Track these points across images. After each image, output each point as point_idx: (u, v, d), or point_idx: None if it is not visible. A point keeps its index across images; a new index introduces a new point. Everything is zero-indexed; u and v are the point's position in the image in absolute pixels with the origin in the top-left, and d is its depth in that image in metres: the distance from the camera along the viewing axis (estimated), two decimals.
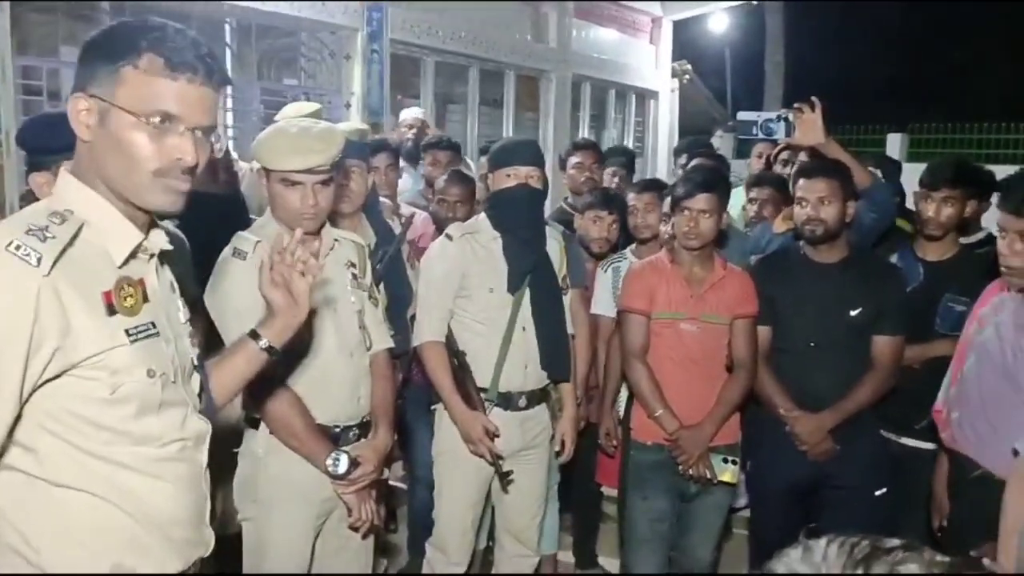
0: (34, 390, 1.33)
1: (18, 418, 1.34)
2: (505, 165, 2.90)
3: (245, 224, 2.57)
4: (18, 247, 1.28)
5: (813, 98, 3.11)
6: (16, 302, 1.27)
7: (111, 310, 1.39)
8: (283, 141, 2.34)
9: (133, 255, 1.45)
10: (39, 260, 1.28)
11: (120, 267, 1.43)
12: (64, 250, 1.33)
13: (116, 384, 1.38)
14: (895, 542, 0.70)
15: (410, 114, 5.44)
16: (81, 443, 1.38)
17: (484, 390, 2.90)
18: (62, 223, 1.35)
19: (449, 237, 2.94)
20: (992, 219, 2.61)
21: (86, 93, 1.38)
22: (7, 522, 1.38)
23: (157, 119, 1.37)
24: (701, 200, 2.89)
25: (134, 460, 1.44)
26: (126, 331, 1.40)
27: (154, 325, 1.46)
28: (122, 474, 1.43)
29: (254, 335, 1.77)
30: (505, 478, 2.93)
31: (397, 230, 3.38)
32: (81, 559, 1.41)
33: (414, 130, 5.06)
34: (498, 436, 2.87)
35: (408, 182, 4.81)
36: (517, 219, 2.91)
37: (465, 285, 2.89)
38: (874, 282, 2.98)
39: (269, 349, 1.76)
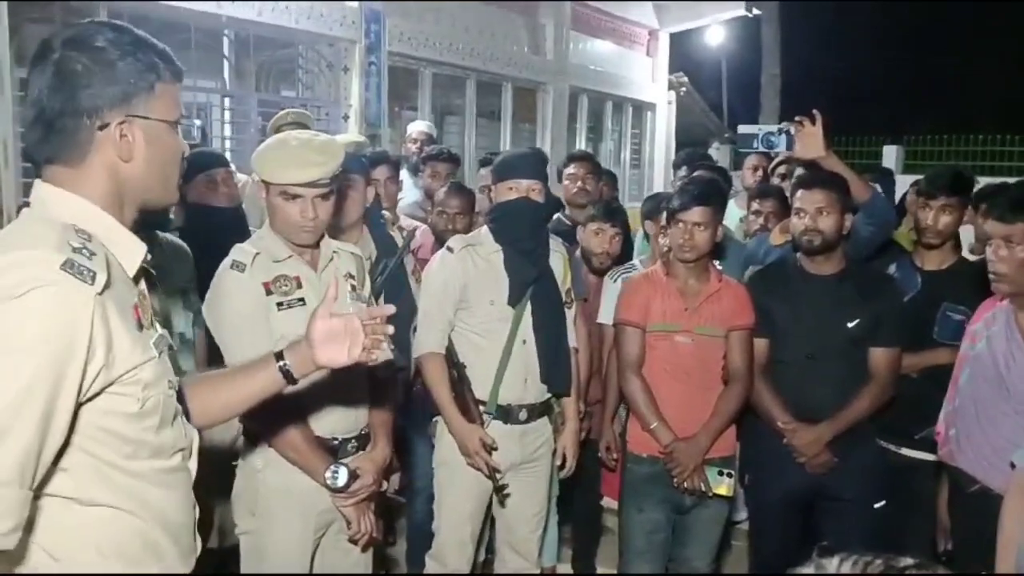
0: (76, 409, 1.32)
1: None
2: (508, 178, 2.90)
3: (244, 236, 2.56)
4: (72, 265, 1.26)
5: (814, 111, 3.12)
6: (74, 321, 1.25)
7: (140, 324, 1.40)
8: (283, 154, 2.33)
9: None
10: (93, 278, 1.27)
11: (133, 281, 1.44)
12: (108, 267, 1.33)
13: (145, 397, 1.39)
14: (908, 561, 0.70)
15: (416, 128, 5.45)
16: (108, 458, 1.38)
17: (483, 403, 2.90)
18: (90, 239, 1.33)
19: (450, 249, 2.94)
20: None
21: (122, 115, 1.38)
22: (44, 551, 1.36)
23: (178, 122, 1.48)
24: (696, 213, 2.90)
25: (151, 472, 1.45)
26: (154, 344, 1.42)
27: (163, 337, 1.48)
28: (142, 486, 1.43)
29: (279, 356, 1.73)
30: (501, 492, 2.92)
31: (398, 242, 3.38)
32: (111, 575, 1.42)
33: (418, 144, 5.07)
34: (495, 449, 2.86)
35: (416, 194, 4.81)
36: (519, 232, 2.91)
37: (466, 297, 2.89)
38: (871, 294, 2.99)
39: (287, 374, 1.72)
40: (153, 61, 1.40)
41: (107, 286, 1.29)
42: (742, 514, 3.64)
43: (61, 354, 1.24)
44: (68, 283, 1.24)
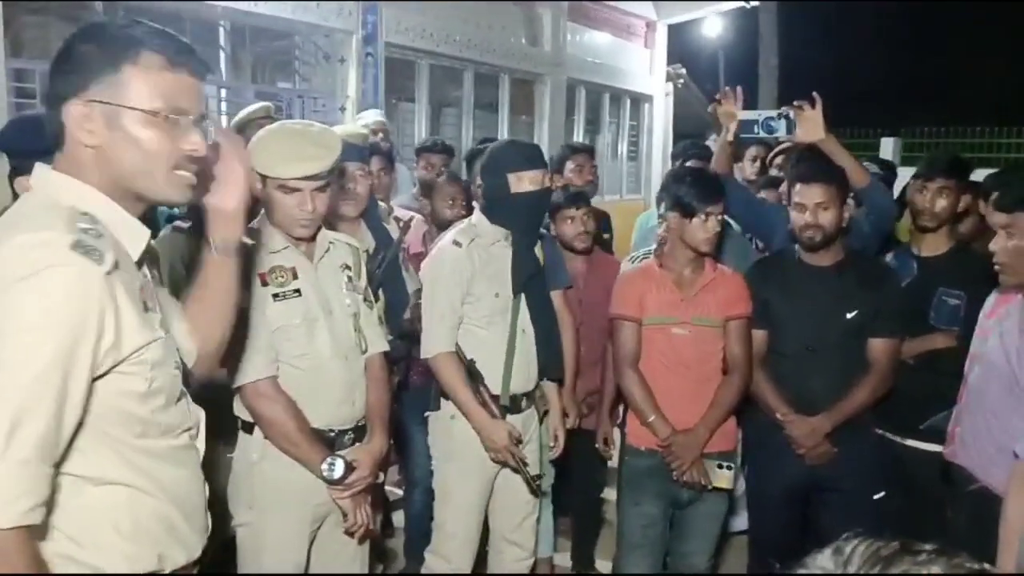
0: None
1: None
2: (530, 168, 2.87)
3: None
4: (81, 246, 1.29)
5: (814, 94, 3.11)
6: (86, 300, 1.29)
7: (145, 306, 1.43)
8: (281, 147, 2.30)
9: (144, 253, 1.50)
10: (101, 258, 1.31)
11: (137, 264, 1.47)
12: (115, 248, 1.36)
13: (153, 377, 1.43)
14: (927, 546, 0.69)
15: (370, 117, 5.31)
16: (121, 437, 1.42)
17: (496, 396, 2.87)
18: (95, 222, 1.36)
19: (458, 244, 2.87)
20: None
21: (83, 99, 1.38)
22: (66, 536, 1.39)
23: (167, 114, 1.41)
24: (721, 206, 2.89)
25: (162, 450, 1.49)
26: (160, 325, 1.46)
27: (164, 320, 1.52)
28: (154, 465, 1.47)
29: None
30: (535, 481, 2.94)
31: (393, 233, 3.36)
32: (130, 553, 1.45)
33: (379, 135, 4.99)
34: (522, 442, 2.87)
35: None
36: (536, 221, 2.94)
37: (471, 291, 2.85)
38: (870, 284, 2.97)
39: (222, 249, 1.66)
40: (129, 45, 1.38)
41: (115, 266, 1.33)
42: (739, 522, 3.63)
43: (74, 333, 1.28)
44: (78, 263, 1.28)
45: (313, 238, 2.43)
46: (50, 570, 1.34)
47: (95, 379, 1.34)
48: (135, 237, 1.46)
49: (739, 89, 3.40)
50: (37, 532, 1.30)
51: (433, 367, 2.87)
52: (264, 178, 2.32)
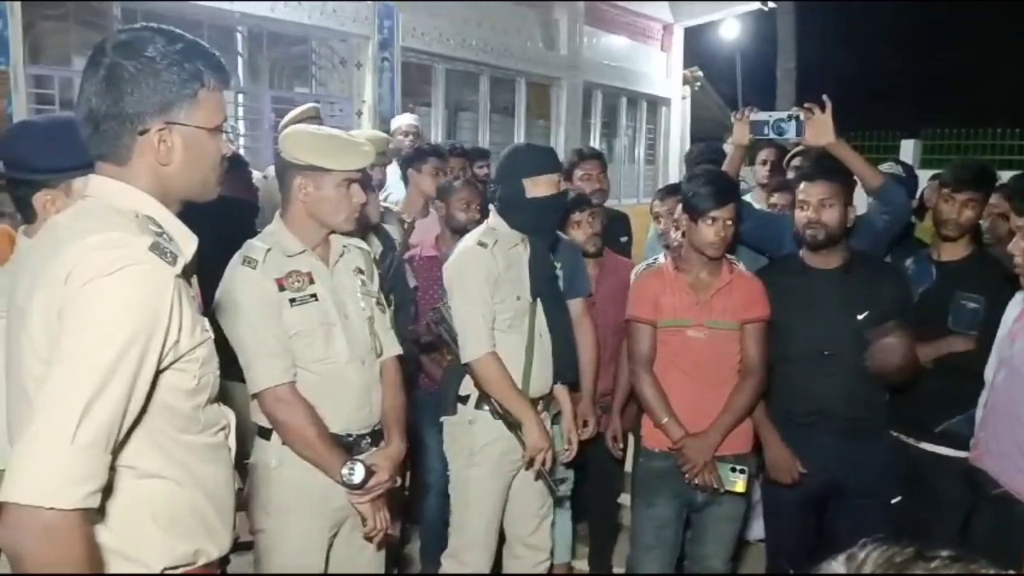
0: None
1: None
2: (545, 173, 2.86)
3: (251, 229, 2.55)
4: (157, 247, 1.39)
5: (824, 97, 3.09)
6: (161, 298, 1.37)
7: (200, 307, 1.51)
8: (340, 144, 2.37)
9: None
10: (174, 259, 1.41)
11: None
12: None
13: (201, 374, 1.50)
14: (943, 552, 0.68)
15: (404, 121, 5.32)
16: (164, 430, 1.47)
17: None
18: (162, 228, 1.45)
19: (483, 245, 2.85)
20: None
21: (162, 122, 1.45)
22: (96, 518, 1.41)
23: (220, 127, 1.55)
24: (729, 209, 2.86)
25: (199, 446, 1.54)
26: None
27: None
28: (192, 459, 1.52)
29: None
30: (557, 484, 2.97)
31: (394, 234, 3.37)
32: (166, 546, 1.49)
33: (411, 137, 5.02)
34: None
35: (402, 188, 4.79)
36: (552, 226, 2.93)
37: (495, 293, 2.83)
38: (877, 284, 2.95)
39: None
40: (198, 69, 1.48)
41: (183, 269, 1.42)
42: (757, 529, 3.60)
43: (148, 327, 1.35)
44: (155, 263, 1.37)
45: (328, 242, 2.44)
46: (103, 556, 1.38)
47: (157, 373, 1.40)
48: (187, 241, 1.52)
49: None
50: (92, 517, 1.33)
51: (476, 369, 2.82)
52: (324, 175, 2.34)
